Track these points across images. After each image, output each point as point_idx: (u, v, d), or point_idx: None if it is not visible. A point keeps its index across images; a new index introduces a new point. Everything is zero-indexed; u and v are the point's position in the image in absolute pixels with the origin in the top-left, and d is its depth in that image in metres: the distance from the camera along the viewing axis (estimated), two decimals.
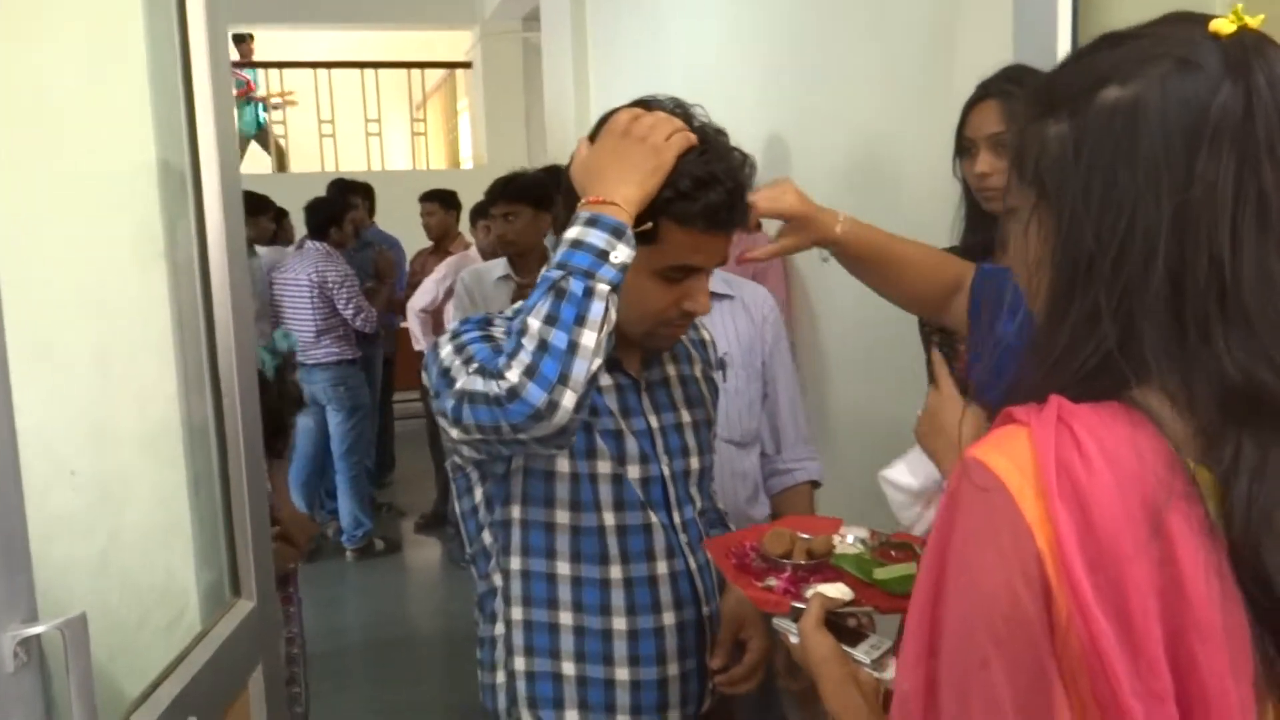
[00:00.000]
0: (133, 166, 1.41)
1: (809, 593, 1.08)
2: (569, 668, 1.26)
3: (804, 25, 2.97)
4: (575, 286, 1.02)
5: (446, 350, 1.17)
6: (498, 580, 1.29)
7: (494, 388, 1.02)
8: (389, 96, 9.23)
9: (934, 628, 0.66)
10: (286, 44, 9.56)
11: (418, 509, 5.51)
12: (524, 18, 8.08)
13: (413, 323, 4.64)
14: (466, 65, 9.31)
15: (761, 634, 1.29)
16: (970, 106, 1.61)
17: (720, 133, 1.21)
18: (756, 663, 1.30)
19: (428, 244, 5.50)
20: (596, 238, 1.04)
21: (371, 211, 5.64)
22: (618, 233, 1.04)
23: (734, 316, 1.90)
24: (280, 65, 9.20)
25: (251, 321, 1.57)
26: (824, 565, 1.20)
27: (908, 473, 1.28)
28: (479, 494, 1.28)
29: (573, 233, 1.05)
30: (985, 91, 1.59)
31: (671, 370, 1.37)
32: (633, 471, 1.27)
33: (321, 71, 8.90)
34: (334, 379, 4.78)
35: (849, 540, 1.25)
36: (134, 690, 1.25)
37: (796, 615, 1.01)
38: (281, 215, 5.51)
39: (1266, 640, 0.62)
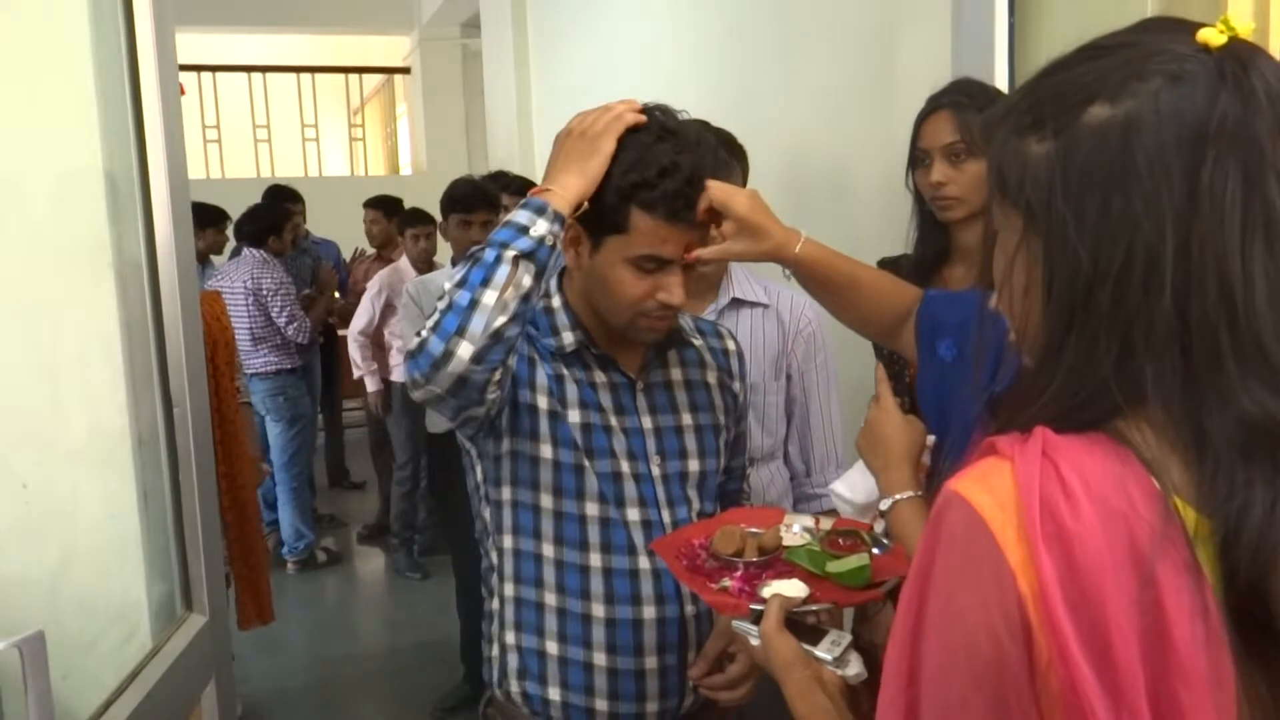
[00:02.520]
0: (78, 173, 1.38)
1: (764, 590, 1.07)
2: (552, 647, 1.31)
3: (746, 35, 3.00)
4: (488, 255, 1.13)
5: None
6: (494, 557, 1.35)
7: (411, 344, 1.14)
8: (326, 102, 9.10)
9: (913, 662, 0.65)
10: (221, 47, 9.37)
11: (360, 519, 5.43)
12: (463, 24, 8.03)
13: (353, 349, 4.52)
14: (405, 71, 9.22)
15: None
16: (923, 119, 1.63)
17: (707, 128, 1.25)
18: (738, 677, 1.27)
19: (366, 249, 5.42)
20: (521, 215, 1.15)
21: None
22: (540, 210, 1.14)
23: (762, 327, 1.85)
24: (214, 69, 9.01)
25: (200, 331, 1.54)
26: (776, 560, 1.19)
27: (849, 488, 1.28)
28: (479, 472, 1.34)
29: (506, 216, 1.17)
30: (936, 103, 1.62)
31: (677, 374, 1.39)
32: (622, 468, 1.30)
33: (256, 75, 8.74)
34: (273, 389, 4.69)
35: (795, 530, 1.24)
36: (87, 709, 1.22)
37: (756, 617, 1.01)
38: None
39: (1259, 682, 0.60)
